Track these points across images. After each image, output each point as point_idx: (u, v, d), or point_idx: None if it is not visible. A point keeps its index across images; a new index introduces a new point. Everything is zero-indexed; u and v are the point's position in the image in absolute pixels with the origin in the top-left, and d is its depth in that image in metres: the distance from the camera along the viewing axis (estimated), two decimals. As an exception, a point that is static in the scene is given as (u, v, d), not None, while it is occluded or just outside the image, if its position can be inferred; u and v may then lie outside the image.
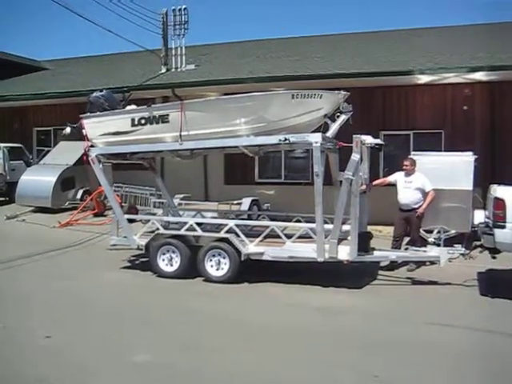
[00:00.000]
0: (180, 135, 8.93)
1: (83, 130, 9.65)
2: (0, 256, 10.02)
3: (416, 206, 9.41)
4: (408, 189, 9.50)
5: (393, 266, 9.36)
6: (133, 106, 9.80)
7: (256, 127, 8.66)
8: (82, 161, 10.65)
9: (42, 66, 25.19)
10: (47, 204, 15.46)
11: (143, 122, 9.18)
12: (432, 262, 8.99)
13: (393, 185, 9.79)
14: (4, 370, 5.24)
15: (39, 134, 19.97)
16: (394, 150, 13.99)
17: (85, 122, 9.65)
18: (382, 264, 9.44)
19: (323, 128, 8.91)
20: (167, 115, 9.05)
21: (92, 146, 9.63)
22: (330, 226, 8.62)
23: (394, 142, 14.18)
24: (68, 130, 10.07)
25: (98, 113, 9.60)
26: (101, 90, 9.98)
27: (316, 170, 8.29)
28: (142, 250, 9.39)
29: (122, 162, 10.42)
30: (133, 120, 9.25)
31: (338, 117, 8.80)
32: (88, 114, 9.70)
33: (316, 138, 8.31)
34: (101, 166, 9.60)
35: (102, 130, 9.50)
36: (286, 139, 8.46)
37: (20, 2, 60.91)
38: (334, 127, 8.83)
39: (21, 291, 8.12)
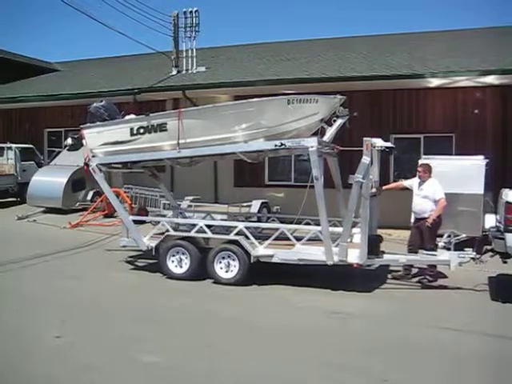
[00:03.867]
0: (178, 143, 8.98)
1: (83, 141, 9.80)
2: (11, 256, 10.08)
3: (426, 215, 9.01)
4: (418, 196, 9.19)
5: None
6: (132, 116, 9.88)
7: (253, 133, 8.67)
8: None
9: (53, 67, 25.41)
10: (58, 205, 15.57)
11: (142, 131, 9.23)
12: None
13: (408, 189, 9.52)
14: (13, 369, 5.27)
15: (50, 135, 20.12)
16: (405, 153, 13.96)
17: (85, 132, 9.77)
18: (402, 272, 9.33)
19: (322, 133, 8.92)
20: (165, 124, 9.09)
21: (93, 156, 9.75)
22: (337, 229, 8.66)
23: (404, 146, 14.15)
24: (69, 140, 10.28)
25: (98, 123, 9.70)
26: (101, 101, 10.10)
27: (315, 173, 8.27)
28: (150, 250, 9.40)
29: (124, 170, 10.52)
30: (132, 129, 9.31)
31: (335, 121, 8.81)
32: (88, 124, 9.83)
33: (312, 143, 8.31)
34: (102, 174, 9.75)
35: (102, 139, 9.58)
36: (282, 144, 8.50)
37: (32, 2, 61.44)
38: (330, 131, 8.83)
39: (30, 291, 8.16)
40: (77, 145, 10.19)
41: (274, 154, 10.37)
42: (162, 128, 9.10)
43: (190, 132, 8.88)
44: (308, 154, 8.41)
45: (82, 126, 9.92)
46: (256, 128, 8.59)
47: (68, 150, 10.92)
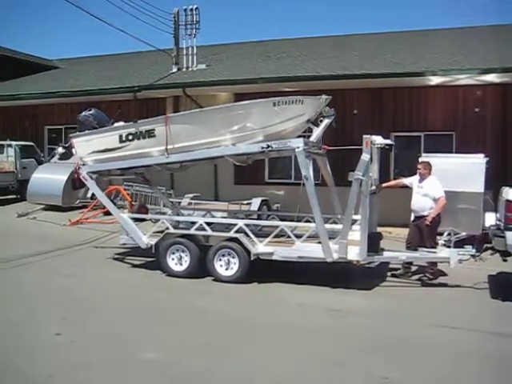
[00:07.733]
0: (166, 148, 9.03)
1: (73, 149, 9.88)
2: (11, 253, 10.08)
3: (425, 213, 8.93)
4: (417, 194, 9.11)
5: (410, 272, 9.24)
6: (121, 123, 9.92)
7: (240, 136, 8.72)
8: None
9: (53, 64, 25.39)
10: (58, 202, 15.49)
11: (131, 137, 9.29)
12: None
13: (408, 187, 9.44)
14: (13, 366, 5.27)
15: (50, 132, 20.10)
16: (405, 151, 13.94)
17: (74, 141, 9.85)
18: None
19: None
20: (153, 130, 9.14)
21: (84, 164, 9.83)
22: (337, 226, 8.71)
23: (404, 144, 14.14)
24: (60, 149, 10.39)
25: (87, 131, 9.75)
26: (89, 109, 10.13)
27: (304, 173, 8.36)
28: (150, 248, 9.37)
29: (114, 177, 10.61)
30: (120, 136, 9.37)
31: (322, 121, 8.83)
32: (77, 133, 9.88)
33: (298, 143, 8.38)
34: (93, 181, 9.83)
35: (92, 147, 9.64)
36: (268, 146, 8.57)
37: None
38: (317, 132, 8.88)
39: (30, 289, 8.16)
40: (67, 153, 10.30)
41: (263, 156, 10.47)
42: (150, 134, 9.16)
43: (178, 137, 8.95)
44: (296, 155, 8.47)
45: (71, 135, 10.03)
46: (243, 131, 8.65)
47: (59, 159, 11.04)
